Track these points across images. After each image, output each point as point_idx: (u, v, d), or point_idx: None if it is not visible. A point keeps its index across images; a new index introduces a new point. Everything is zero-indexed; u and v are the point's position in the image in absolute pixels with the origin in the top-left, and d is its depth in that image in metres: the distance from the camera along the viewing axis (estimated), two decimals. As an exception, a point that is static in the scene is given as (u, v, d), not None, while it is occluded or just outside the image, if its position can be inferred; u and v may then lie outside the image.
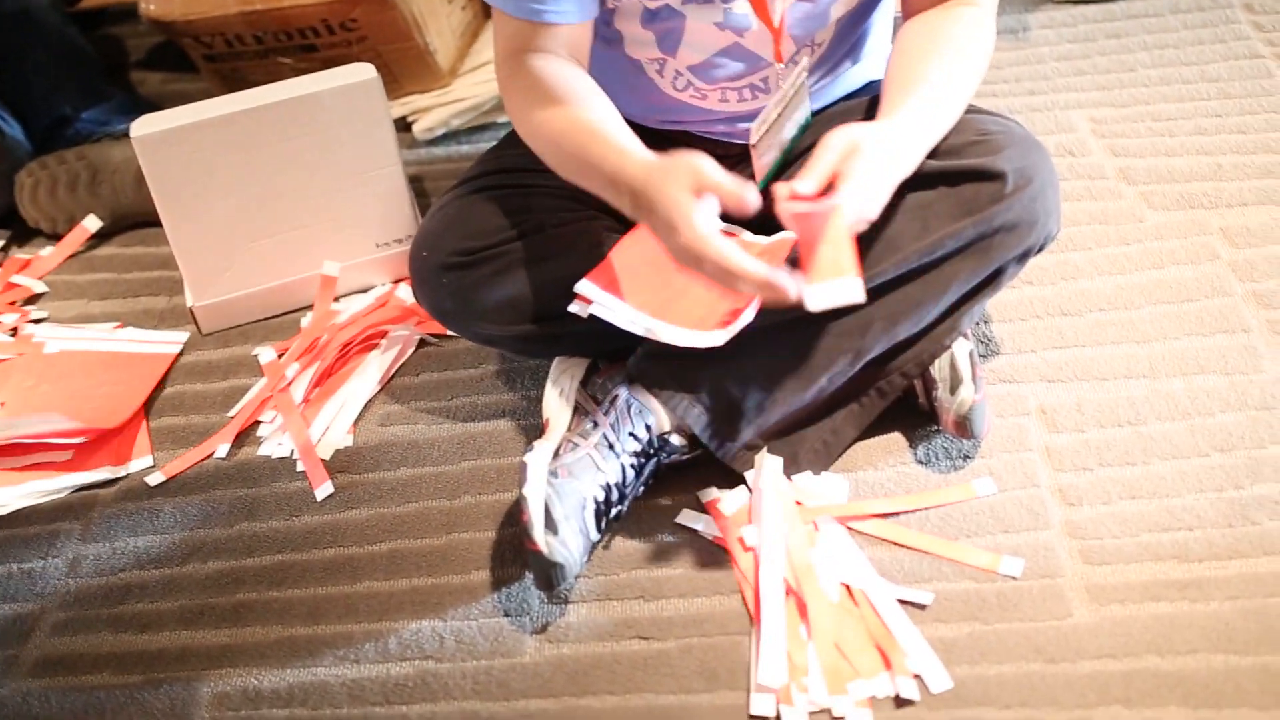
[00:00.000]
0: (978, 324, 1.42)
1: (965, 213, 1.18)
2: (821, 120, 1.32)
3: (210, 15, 1.84)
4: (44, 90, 1.89)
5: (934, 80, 1.16)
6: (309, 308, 1.59)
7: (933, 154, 1.20)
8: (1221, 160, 1.64)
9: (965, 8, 1.21)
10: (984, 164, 1.19)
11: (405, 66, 1.89)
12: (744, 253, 1.03)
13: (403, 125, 1.90)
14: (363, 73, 1.50)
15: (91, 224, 1.75)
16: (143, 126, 1.46)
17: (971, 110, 1.27)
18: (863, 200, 1.06)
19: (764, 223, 1.15)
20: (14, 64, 1.89)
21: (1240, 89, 1.77)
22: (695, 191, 1.04)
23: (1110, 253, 1.52)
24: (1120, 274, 1.48)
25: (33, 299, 1.69)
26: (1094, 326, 1.42)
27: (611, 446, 1.21)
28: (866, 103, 1.32)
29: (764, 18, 1.21)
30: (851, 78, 1.37)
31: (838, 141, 1.07)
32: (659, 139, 1.28)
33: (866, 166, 1.05)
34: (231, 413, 1.45)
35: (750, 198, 1.03)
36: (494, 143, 1.83)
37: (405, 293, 1.58)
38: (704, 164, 1.04)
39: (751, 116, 1.25)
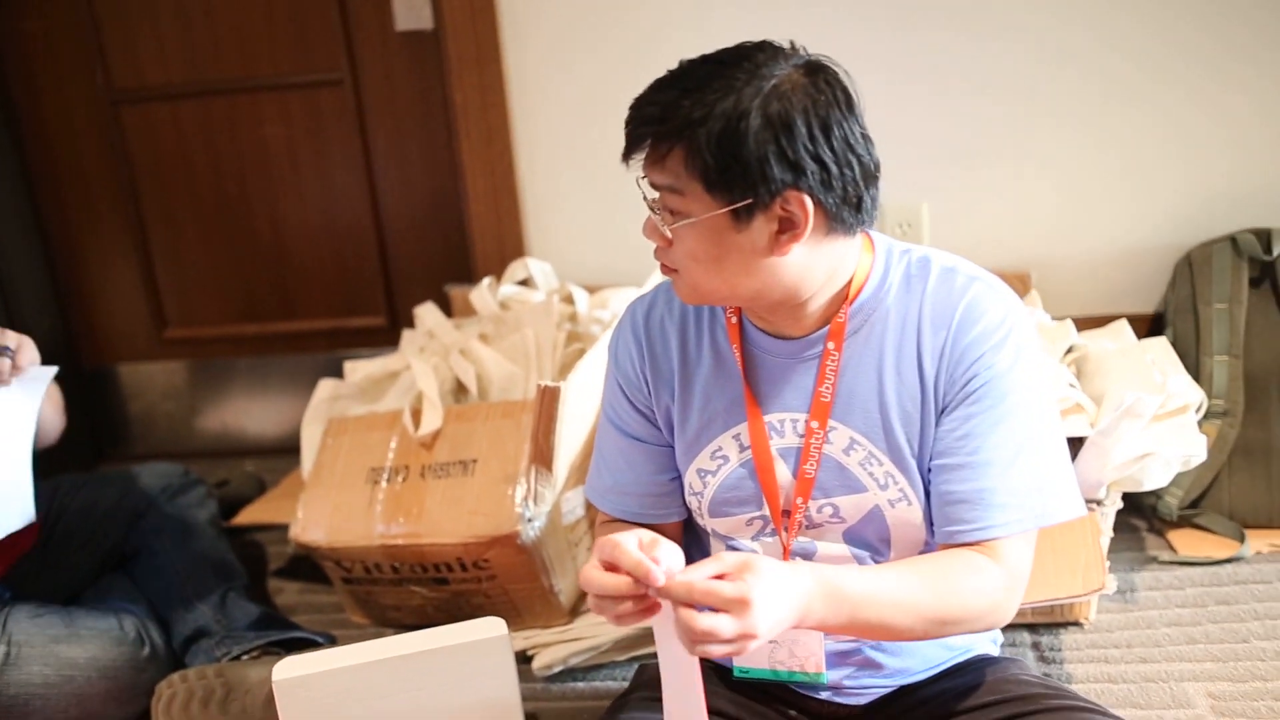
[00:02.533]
0: None
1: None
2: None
3: (354, 545, 1.98)
4: (190, 602, 2.01)
5: (885, 579, 1.20)
6: None
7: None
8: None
9: (980, 555, 1.25)
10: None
11: (529, 604, 1.98)
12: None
13: (522, 658, 1.96)
14: (493, 628, 1.57)
15: (215, 743, 1.81)
16: (283, 670, 1.53)
17: (1085, 708, 1.29)
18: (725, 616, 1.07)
19: None
20: (167, 577, 2.03)
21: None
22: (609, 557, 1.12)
23: None
24: None
25: (148, 824, 1.72)
26: None
27: None
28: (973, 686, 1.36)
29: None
30: (932, 650, 1.41)
31: (735, 557, 1.11)
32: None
33: (755, 578, 1.08)
34: None
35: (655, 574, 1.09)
36: (611, 683, 1.90)
37: None
38: (624, 540, 1.12)
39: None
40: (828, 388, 1.30)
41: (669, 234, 1.22)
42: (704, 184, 1.18)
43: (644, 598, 1.12)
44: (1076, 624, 1.95)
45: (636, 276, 2.30)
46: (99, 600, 1.96)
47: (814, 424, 1.31)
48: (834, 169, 1.19)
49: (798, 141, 1.17)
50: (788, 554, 1.34)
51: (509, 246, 2.55)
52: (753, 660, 1.35)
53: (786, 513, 1.34)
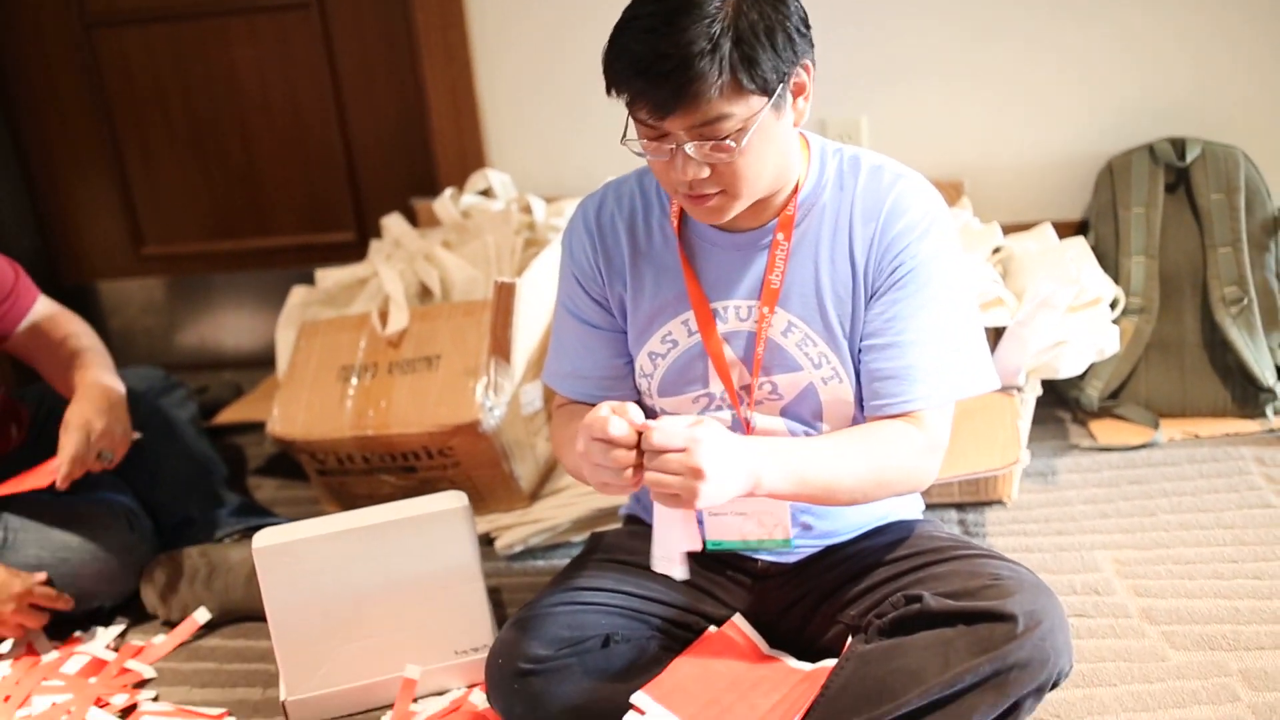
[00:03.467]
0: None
1: (982, 650, 1.30)
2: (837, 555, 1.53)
3: (327, 437, 2.12)
4: (175, 494, 2.14)
5: (825, 447, 1.37)
6: (390, 707, 1.74)
7: (952, 595, 1.36)
8: (1239, 604, 1.73)
9: (905, 423, 1.41)
10: (996, 606, 1.33)
11: (492, 489, 2.12)
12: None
13: (486, 540, 2.10)
14: (455, 501, 1.71)
15: (202, 616, 1.95)
16: (262, 539, 1.67)
17: (986, 555, 1.45)
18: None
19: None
20: (152, 470, 2.16)
21: (1254, 536, 1.90)
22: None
23: (1134, 689, 1.59)
24: (1144, 710, 1.54)
25: (143, 683, 1.86)
26: (1121, 763, 1.48)
27: None
28: (894, 542, 1.51)
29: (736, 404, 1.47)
30: (857, 514, 1.55)
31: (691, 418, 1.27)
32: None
33: (704, 428, 1.24)
34: (309, 806, 1.57)
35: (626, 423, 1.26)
36: (567, 560, 2.04)
37: (478, 698, 1.72)
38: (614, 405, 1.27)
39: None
40: (777, 275, 1.43)
41: (740, 145, 1.29)
42: (755, 91, 1.27)
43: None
44: (1000, 502, 2.10)
45: (590, 187, 2.41)
46: (89, 491, 2.09)
47: (765, 309, 1.44)
48: (807, 26, 1.33)
49: (793, 16, 1.30)
50: (749, 426, 1.48)
51: (470, 159, 2.66)
52: (724, 534, 1.49)
53: (745, 388, 1.48)
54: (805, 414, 1.48)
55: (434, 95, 2.66)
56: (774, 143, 1.34)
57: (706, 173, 1.32)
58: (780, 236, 1.43)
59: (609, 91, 1.31)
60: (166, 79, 2.87)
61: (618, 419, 1.25)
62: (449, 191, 2.46)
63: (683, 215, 1.47)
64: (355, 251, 2.85)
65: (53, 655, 1.89)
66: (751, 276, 1.45)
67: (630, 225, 1.51)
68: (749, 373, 1.47)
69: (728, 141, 1.29)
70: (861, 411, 1.47)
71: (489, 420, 2.03)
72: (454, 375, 2.07)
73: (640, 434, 1.26)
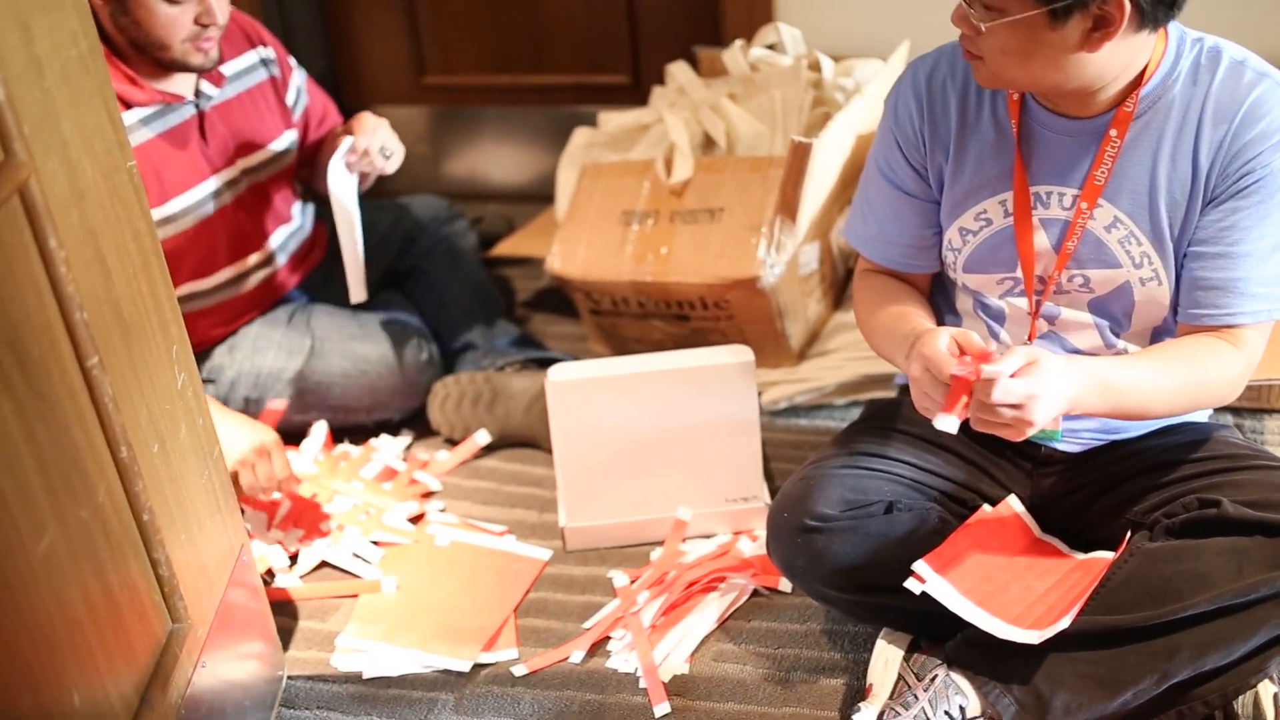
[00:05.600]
0: (1281, 668, 1.50)
1: (1280, 564, 1.29)
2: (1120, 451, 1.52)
3: (605, 278, 2.18)
4: (458, 320, 2.26)
5: (1144, 370, 1.34)
6: (660, 544, 1.82)
7: (1253, 505, 1.34)
8: None
9: (1223, 341, 1.37)
10: (1304, 521, 1.31)
11: (762, 345, 2.15)
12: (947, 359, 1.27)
13: (751, 393, 2.15)
14: (740, 355, 1.76)
15: (482, 438, 2.07)
16: (557, 373, 1.76)
17: (1294, 467, 1.41)
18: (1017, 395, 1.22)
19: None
20: (439, 295, 2.28)
21: None
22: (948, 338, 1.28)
23: None
24: None
25: (429, 494, 2.00)
26: (1400, 689, 1.46)
27: (929, 720, 1.36)
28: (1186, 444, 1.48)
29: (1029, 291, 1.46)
30: None
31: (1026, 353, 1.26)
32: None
33: (1042, 378, 1.24)
34: (587, 624, 1.68)
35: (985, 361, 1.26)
36: (831, 422, 2.08)
37: (744, 545, 1.80)
38: (955, 332, 1.29)
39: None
40: (1103, 172, 1.38)
41: (982, 28, 1.29)
42: None
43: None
44: (1281, 411, 2.03)
45: (882, 48, 2.36)
46: (381, 310, 2.22)
47: (1084, 205, 1.40)
48: None
49: None
50: (1035, 318, 1.47)
51: (757, 11, 2.61)
52: None
53: (1041, 279, 1.45)
54: (1115, 310, 1.45)
55: (724, -62, 2.61)
56: (1038, 54, 1.28)
57: (966, 29, 1.31)
58: (1114, 133, 1.37)
59: None
60: (457, -94, 2.90)
61: (959, 364, 1.25)
62: (739, 43, 2.43)
63: (1024, 95, 1.43)
64: (628, 95, 2.86)
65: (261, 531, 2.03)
66: (1076, 166, 1.41)
67: (962, 95, 1.47)
68: (1055, 265, 1.44)
69: (973, 16, 1.28)
70: (1174, 316, 1.43)
71: (768, 277, 2.05)
72: (736, 229, 2.09)
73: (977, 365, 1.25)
